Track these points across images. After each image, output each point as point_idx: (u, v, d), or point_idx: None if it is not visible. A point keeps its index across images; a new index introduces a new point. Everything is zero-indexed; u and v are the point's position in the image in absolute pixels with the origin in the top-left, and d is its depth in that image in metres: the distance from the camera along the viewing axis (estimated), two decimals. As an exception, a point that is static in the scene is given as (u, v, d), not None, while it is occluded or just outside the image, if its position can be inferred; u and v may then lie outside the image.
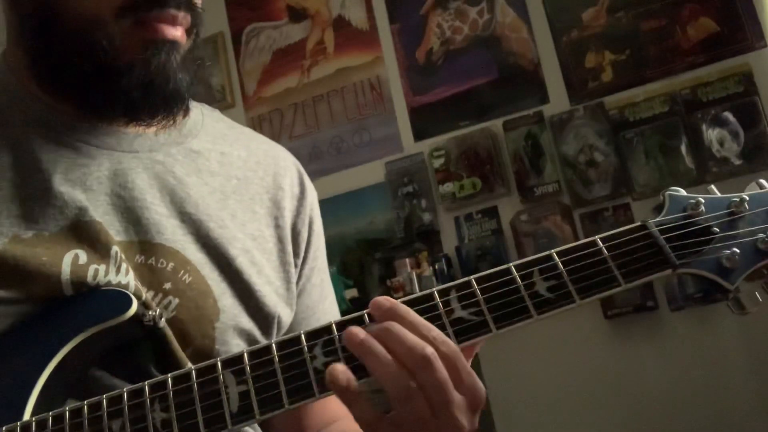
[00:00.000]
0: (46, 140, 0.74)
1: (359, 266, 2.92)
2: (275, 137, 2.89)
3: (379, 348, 0.59)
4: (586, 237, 2.48)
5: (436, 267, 2.73)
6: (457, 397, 0.59)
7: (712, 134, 2.49)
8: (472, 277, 0.63)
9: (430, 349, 0.59)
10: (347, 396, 0.60)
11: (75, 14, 0.70)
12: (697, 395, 2.41)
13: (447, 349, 0.60)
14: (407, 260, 2.78)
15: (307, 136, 3.11)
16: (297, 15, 3.19)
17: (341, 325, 0.62)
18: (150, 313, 0.69)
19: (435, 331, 0.61)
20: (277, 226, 0.85)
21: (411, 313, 0.61)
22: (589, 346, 2.55)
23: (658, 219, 0.65)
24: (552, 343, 2.50)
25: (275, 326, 0.82)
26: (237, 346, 0.76)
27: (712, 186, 0.67)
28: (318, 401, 0.61)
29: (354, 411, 0.61)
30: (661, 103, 2.57)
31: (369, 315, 0.63)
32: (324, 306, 0.91)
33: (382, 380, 0.59)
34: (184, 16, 0.73)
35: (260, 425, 0.80)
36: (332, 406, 0.89)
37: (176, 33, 0.73)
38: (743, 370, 2.39)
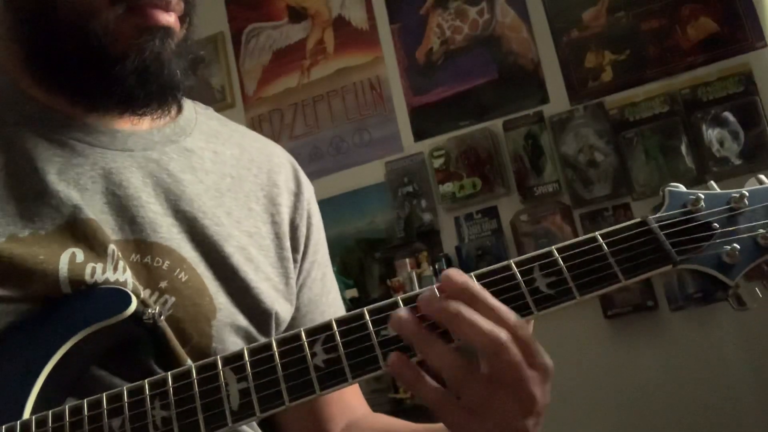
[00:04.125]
0: (39, 139, 0.73)
1: (359, 266, 2.92)
2: (275, 137, 2.89)
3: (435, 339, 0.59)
4: (586, 236, 2.41)
5: (436, 267, 2.73)
6: (530, 373, 0.60)
7: (712, 134, 2.49)
8: (472, 273, 0.63)
9: (504, 334, 0.58)
10: (410, 380, 0.59)
11: (68, 2, 0.70)
12: (696, 395, 2.41)
13: (523, 333, 0.59)
14: (407, 260, 2.78)
15: (307, 136, 3.11)
16: (297, 15, 3.19)
17: (341, 322, 0.62)
18: (149, 311, 0.68)
19: (511, 314, 0.60)
20: (274, 222, 0.85)
21: (487, 295, 0.60)
22: (589, 345, 2.55)
23: (658, 215, 0.64)
24: (551, 342, 2.48)
25: (273, 323, 0.81)
26: (234, 344, 0.76)
27: (712, 182, 0.67)
28: (334, 393, 0.61)
29: (420, 393, 0.60)
30: (661, 103, 2.57)
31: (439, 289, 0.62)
32: (327, 300, 0.91)
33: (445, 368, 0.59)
34: (177, 2, 0.73)
35: (265, 420, 0.80)
36: (349, 399, 0.88)
37: (170, 19, 0.73)
38: (743, 370, 2.39)
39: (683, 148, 2.52)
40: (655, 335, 2.51)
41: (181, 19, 0.75)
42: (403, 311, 0.61)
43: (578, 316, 2.50)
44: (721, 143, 2.48)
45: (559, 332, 2.51)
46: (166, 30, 0.72)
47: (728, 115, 2.47)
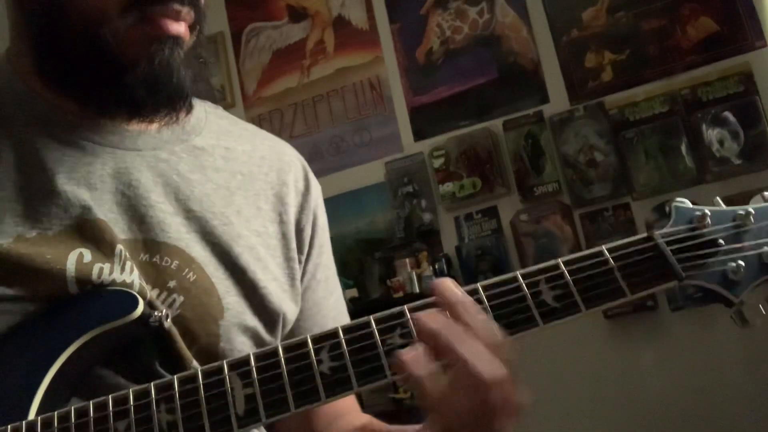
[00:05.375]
0: (49, 139, 0.74)
1: (359, 266, 2.92)
2: (275, 137, 2.88)
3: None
4: (586, 236, 2.44)
5: (436, 267, 2.73)
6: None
7: (712, 134, 2.49)
8: (479, 284, 0.63)
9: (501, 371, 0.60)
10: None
11: (80, 10, 0.70)
12: (696, 395, 2.42)
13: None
14: (407, 260, 2.79)
15: (307, 136, 3.11)
16: (297, 15, 3.19)
17: (347, 330, 0.62)
18: (156, 313, 0.69)
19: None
20: (282, 222, 0.85)
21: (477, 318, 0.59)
22: (589, 345, 2.55)
23: (664, 231, 0.65)
24: (552, 342, 2.50)
25: (280, 323, 0.82)
26: (242, 344, 0.76)
27: (718, 198, 0.67)
28: None
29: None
30: (661, 102, 2.58)
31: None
32: (330, 302, 0.91)
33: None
34: (187, 12, 0.73)
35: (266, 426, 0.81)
36: (337, 402, 0.89)
37: (180, 29, 0.73)
38: (743, 370, 2.40)
39: (683, 148, 2.52)
40: (655, 335, 2.51)
41: (191, 27, 0.75)
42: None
43: (578, 316, 2.50)
44: (721, 143, 2.48)
45: (559, 332, 2.50)
46: (176, 39, 0.72)
47: (728, 115, 2.48)
